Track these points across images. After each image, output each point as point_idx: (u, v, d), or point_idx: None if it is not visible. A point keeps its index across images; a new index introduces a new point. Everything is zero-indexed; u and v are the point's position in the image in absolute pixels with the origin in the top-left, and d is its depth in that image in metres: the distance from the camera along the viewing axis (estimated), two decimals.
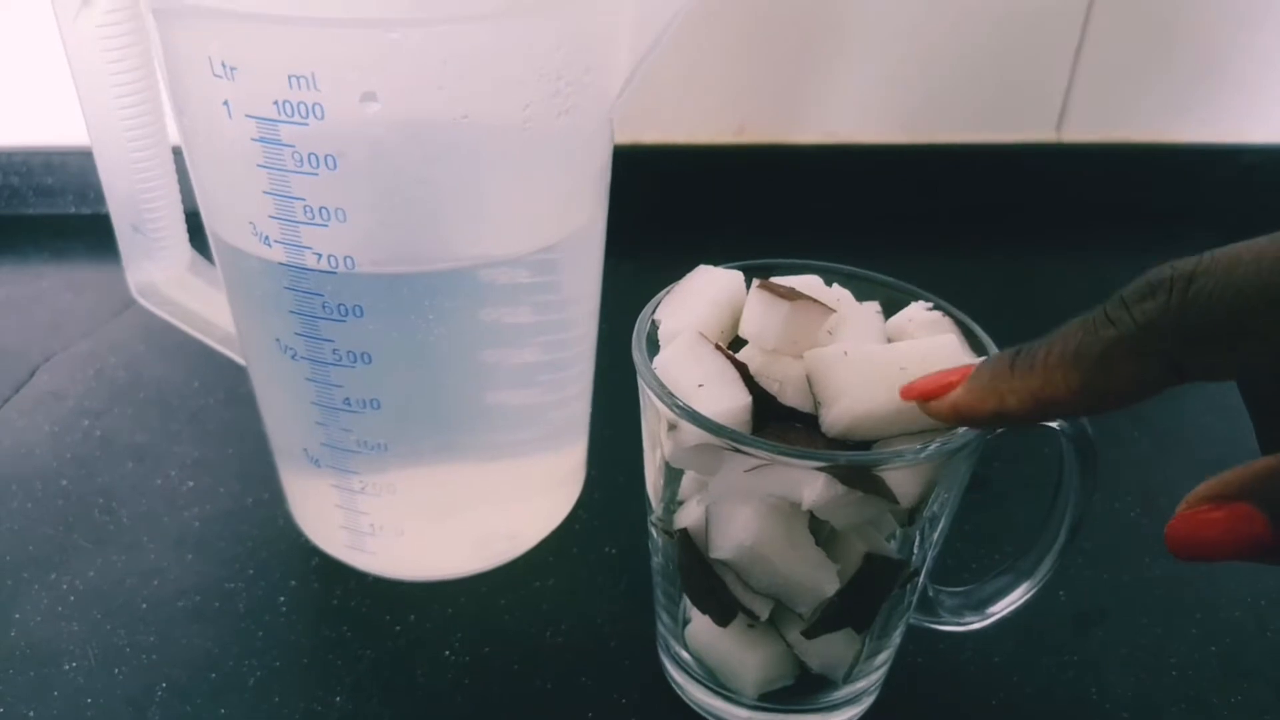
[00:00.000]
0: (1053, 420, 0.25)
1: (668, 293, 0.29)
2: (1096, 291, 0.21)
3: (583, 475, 0.40)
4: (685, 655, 0.31)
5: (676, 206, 0.60)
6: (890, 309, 0.30)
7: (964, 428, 0.25)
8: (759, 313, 0.27)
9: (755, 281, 0.27)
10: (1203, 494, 0.20)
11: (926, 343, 0.26)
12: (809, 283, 0.29)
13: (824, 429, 0.26)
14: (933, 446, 0.25)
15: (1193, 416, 0.47)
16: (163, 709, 0.31)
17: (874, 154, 0.65)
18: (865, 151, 0.65)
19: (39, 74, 0.59)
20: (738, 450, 0.25)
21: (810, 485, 0.24)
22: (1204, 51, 0.65)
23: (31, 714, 0.31)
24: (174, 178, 0.34)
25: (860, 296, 0.30)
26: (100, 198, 0.61)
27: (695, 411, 0.25)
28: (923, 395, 0.24)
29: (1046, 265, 0.63)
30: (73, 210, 0.63)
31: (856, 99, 0.64)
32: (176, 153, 0.33)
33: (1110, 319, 0.20)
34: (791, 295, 0.26)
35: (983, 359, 0.24)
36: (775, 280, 0.28)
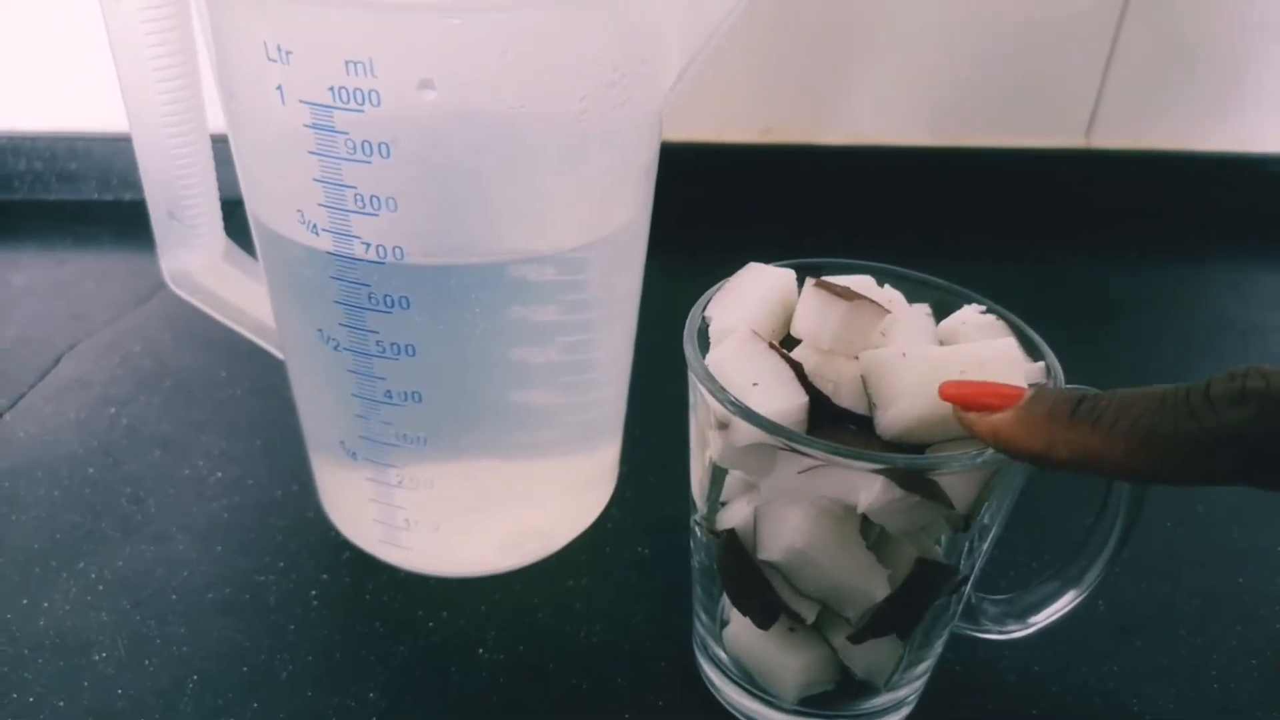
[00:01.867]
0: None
1: (718, 289, 0.29)
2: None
3: (616, 474, 0.40)
4: (723, 656, 0.31)
5: (702, 206, 0.60)
6: (940, 312, 0.29)
7: None
8: (815, 312, 0.26)
9: (810, 280, 0.27)
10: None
11: (986, 346, 0.26)
12: (862, 283, 0.29)
13: (879, 431, 0.25)
14: (990, 451, 0.24)
15: None
16: (195, 701, 0.31)
17: (901, 156, 0.65)
18: (892, 154, 0.65)
19: (62, 59, 0.59)
20: (793, 450, 0.24)
21: (867, 488, 0.24)
22: (1235, 62, 0.64)
23: (62, 704, 0.30)
24: (211, 163, 0.34)
25: (910, 298, 0.29)
26: (124, 184, 0.62)
27: (751, 410, 0.24)
28: (963, 403, 0.23)
29: (1073, 271, 0.62)
30: (95, 196, 0.62)
31: (884, 101, 0.64)
32: (214, 139, 0.33)
33: (1193, 412, 0.19)
34: (849, 295, 0.26)
35: (1036, 389, 0.22)
36: (828, 279, 0.28)
